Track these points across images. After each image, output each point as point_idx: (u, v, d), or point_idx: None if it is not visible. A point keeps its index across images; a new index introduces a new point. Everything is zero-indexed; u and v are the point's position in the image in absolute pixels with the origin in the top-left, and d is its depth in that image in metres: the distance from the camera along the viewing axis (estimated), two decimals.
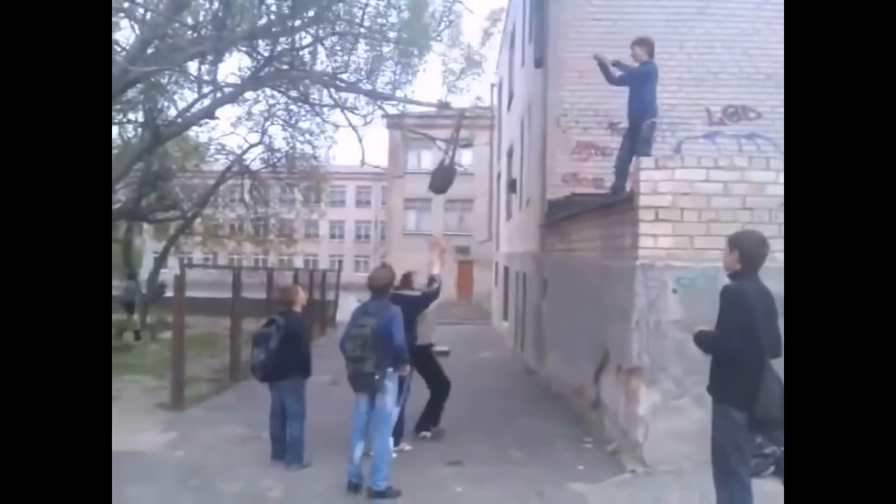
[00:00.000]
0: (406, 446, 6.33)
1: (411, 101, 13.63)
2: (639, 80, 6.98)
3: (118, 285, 16.28)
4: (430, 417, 6.90)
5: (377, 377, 5.06)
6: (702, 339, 3.86)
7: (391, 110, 14.19)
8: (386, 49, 12.01)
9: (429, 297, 6.51)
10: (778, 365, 3.37)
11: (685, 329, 5.52)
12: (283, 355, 5.78)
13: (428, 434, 6.83)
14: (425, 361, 6.73)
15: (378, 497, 5.03)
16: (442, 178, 8.63)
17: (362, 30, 11.22)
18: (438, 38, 11.61)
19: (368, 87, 12.46)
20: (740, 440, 3.62)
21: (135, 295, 16.09)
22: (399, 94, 12.78)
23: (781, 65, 9.39)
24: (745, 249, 3.77)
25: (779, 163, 5.80)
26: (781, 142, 9.36)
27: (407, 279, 6.96)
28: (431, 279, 6.58)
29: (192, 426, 7.21)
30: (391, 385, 5.21)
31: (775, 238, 5.49)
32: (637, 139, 6.87)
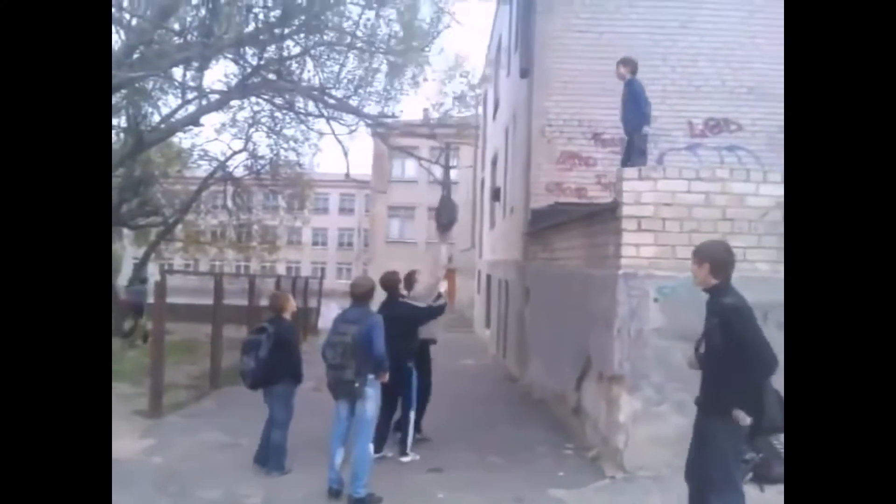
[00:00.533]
0: (415, 456, 6.36)
1: (399, 125, 13.72)
2: (631, 100, 7.16)
3: (130, 289, 16.40)
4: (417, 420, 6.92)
5: (357, 385, 5.06)
6: (701, 363, 3.79)
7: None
8: (375, 63, 12.09)
9: (434, 311, 6.77)
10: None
11: (666, 337, 5.58)
12: (273, 362, 5.77)
13: (418, 435, 6.86)
14: (421, 357, 6.86)
15: None
16: (448, 215, 8.75)
17: (354, 40, 11.25)
18: (427, 50, 11.66)
19: (356, 100, 12.52)
20: (740, 450, 3.68)
21: (143, 298, 15.77)
22: (387, 108, 12.86)
23: (763, 78, 9.57)
24: (721, 260, 3.73)
25: (758, 174, 5.90)
26: (762, 154, 9.51)
27: (410, 279, 7.16)
28: (438, 295, 6.94)
29: (170, 433, 7.12)
30: (372, 392, 5.20)
31: (754, 248, 5.63)
32: (632, 150, 7.01)
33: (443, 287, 7.15)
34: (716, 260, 3.73)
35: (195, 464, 6.05)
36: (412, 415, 6.42)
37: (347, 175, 15.09)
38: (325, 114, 13.23)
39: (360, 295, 5.38)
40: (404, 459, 6.27)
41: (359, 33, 11.21)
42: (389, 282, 6.50)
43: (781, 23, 10.19)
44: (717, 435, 3.67)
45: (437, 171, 16.39)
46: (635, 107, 7.05)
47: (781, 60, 10.08)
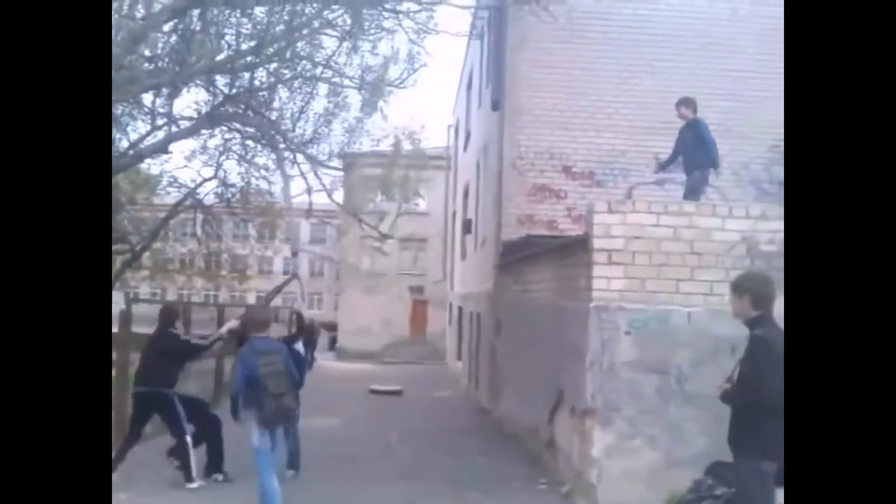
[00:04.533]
0: (201, 482, 6.47)
1: (367, 155, 13.87)
2: (698, 142, 7.16)
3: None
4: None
5: (296, 410, 5.32)
6: (729, 397, 3.67)
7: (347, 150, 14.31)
8: (346, 95, 12.18)
9: (199, 347, 7.06)
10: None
11: (638, 370, 5.62)
12: None
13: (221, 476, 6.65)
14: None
15: None
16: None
17: (327, 72, 11.31)
18: (403, 86, 11.75)
19: (326, 132, 12.66)
20: (769, 492, 3.47)
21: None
22: (353, 137, 12.96)
23: (726, 115, 9.82)
24: (757, 291, 3.67)
25: (724, 209, 6.03)
26: (727, 189, 9.72)
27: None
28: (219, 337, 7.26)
29: (134, 468, 6.89)
30: None
31: (721, 282, 5.71)
32: (692, 190, 7.02)
33: (224, 328, 7.13)
34: (757, 291, 3.68)
35: (162, 502, 5.86)
36: (188, 439, 6.49)
37: (310, 211, 15.23)
38: (294, 146, 13.25)
39: (259, 324, 5.53)
40: (192, 486, 6.31)
41: (332, 64, 11.29)
42: (170, 312, 6.97)
43: (745, 63, 10.49)
44: (741, 477, 3.57)
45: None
46: (703, 148, 7.06)
47: (745, 98, 10.34)
